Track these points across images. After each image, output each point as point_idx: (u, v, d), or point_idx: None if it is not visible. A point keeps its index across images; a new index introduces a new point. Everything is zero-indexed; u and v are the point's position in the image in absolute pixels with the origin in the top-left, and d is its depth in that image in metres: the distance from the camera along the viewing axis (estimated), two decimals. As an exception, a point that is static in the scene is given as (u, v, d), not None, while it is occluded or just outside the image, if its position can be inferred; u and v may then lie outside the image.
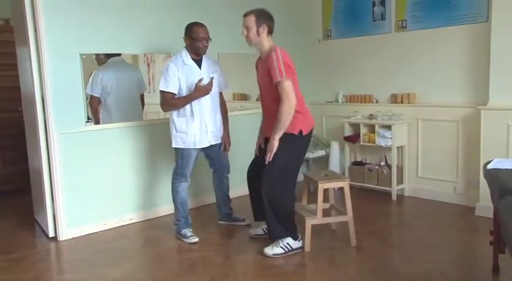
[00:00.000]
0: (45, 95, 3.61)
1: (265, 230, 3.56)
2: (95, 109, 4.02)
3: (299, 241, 3.36)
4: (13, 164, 5.24)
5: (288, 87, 3.09)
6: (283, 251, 3.28)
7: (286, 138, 3.18)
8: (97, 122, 4.01)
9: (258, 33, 3.23)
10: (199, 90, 3.47)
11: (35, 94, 3.62)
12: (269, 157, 3.17)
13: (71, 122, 3.74)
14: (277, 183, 3.20)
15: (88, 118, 3.89)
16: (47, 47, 3.57)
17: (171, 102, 3.52)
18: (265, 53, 3.26)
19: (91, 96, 3.98)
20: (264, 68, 3.22)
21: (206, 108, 3.59)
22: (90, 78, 3.96)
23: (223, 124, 3.83)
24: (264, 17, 3.25)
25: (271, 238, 3.36)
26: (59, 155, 3.70)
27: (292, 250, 3.31)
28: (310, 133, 3.36)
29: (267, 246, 3.33)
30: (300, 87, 3.31)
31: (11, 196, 5.20)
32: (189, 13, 4.17)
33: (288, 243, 3.30)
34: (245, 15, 3.29)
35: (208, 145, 3.66)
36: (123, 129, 4.06)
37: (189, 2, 4.38)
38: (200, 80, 3.47)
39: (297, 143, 3.26)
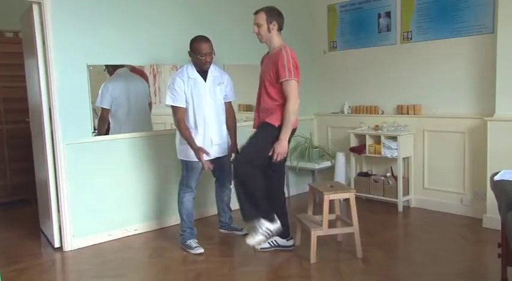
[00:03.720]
0: (52, 105, 3.64)
1: (271, 243, 3.55)
2: (106, 121, 4.02)
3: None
4: (20, 175, 5.27)
5: (294, 86, 3.23)
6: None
7: (266, 127, 3.32)
8: (105, 134, 4.00)
9: (268, 29, 3.34)
10: (198, 154, 3.48)
11: (42, 105, 3.66)
12: (277, 157, 3.24)
13: (77, 133, 3.77)
14: (247, 163, 3.26)
15: (94, 129, 3.90)
16: (54, 58, 3.61)
17: (181, 125, 3.52)
18: (274, 49, 3.37)
19: (102, 109, 3.99)
20: (271, 63, 3.31)
21: (211, 121, 3.60)
22: (100, 90, 3.97)
23: (231, 133, 3.83)
24: (273, 14, 3.35)
25: (244, 219, 3.40)
26: (65, 165, 3.72)
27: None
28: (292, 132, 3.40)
29: (272, 258, 3.33)
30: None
31: (17, 206, 5.22)
32: (193, 25, 4.22)
33: (267, 228, 3.32)
34: (256, 13, 3.39)
35: (213, 158, 3.67)
36: (129, 140, 4.08)
37: (194, 14, 4.43)
38: (206, 152, 3.51)
39: (273, 134, 3.29)
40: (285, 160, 3.44)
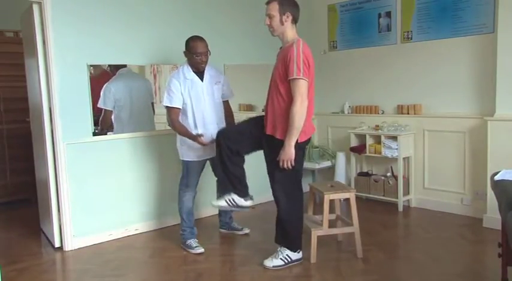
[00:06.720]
0: (53, 105, 3.64)
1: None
2: (109, 122, 4.02)
3: (298, 252, 3.31)
4: (20, 175, 5.27)
5: (302, 86, 2.93)
6: (283, 263, 3.25)
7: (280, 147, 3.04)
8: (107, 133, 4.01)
9: (281, 21, 3.05)
10: (197, 140, 3.43)
11: (42, 105, 3.66)
12: (283, 164, 3.03)
13: (77, 133, 3.77)
14: (289, 198, 3.19)
15: (95, 130, 3.89)
16: (54, 58, 3.61)
17: (175, 124, 3.53)
18: (287, 43, 3.08)
19: (104, 110, 3.99)
20: (281, 58, 3.05)
21: (210, 120, 3.61)
22: (102, 91, 3.96)
23: None
24: (288, 4, 3.05)
25: (291, 248, 3.27)
26: (66, 165, 3.72)
27: (292, 261, 3.27)
28: (307, 140, 3.21)
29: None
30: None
31: (17, 206, 5.22)
32: (194, 25, 4.22)
33: (287, 255, 3.26)
34: (267, 3, 3.09)
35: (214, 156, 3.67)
36: (129, 140, 4.08)
37: (195, 14, 4.42)
38: (201, 135, 3.44)
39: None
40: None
